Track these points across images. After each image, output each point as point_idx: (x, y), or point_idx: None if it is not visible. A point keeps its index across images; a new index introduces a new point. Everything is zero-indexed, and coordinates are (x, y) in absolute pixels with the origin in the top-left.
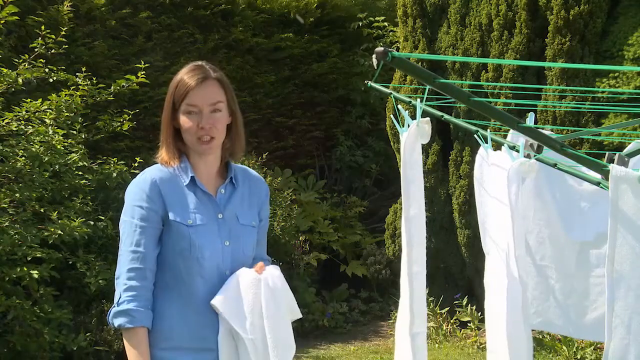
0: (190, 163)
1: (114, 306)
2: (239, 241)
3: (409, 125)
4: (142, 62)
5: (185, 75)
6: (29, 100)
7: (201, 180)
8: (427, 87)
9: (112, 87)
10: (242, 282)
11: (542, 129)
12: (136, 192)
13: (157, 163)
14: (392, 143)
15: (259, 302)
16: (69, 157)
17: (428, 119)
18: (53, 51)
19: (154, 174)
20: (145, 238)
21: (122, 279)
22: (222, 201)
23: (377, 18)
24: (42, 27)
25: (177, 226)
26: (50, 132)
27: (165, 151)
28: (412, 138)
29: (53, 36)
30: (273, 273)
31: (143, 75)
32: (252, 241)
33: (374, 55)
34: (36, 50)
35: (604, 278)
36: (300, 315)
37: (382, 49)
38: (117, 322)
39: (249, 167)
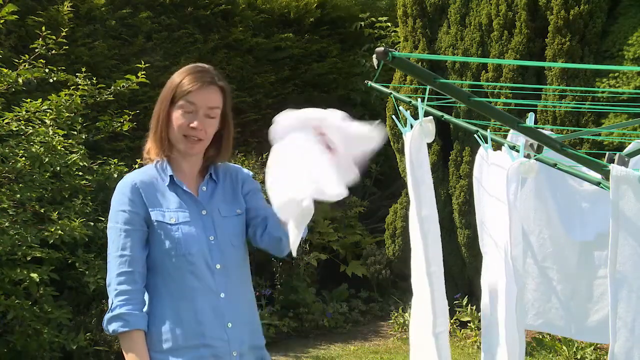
0: (170, 163)
1: (108, 312)
2: (225, 234)
3: (411, 126)
4: (143, 63)
5: (190, 75)
6: (29, 100)
7: (182, 179)
8: (427, 87)
9: (113, 87)
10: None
11: (542, 129)
12: (119, 197)
13: (144, 164)
14: (392, 143)
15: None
16: (69, 157)
17: (431, 117)
18: (53, 51)
19: (134, 177)
20: (131, 241)
21: (112, 285)
22: (205, 198)
23: (379, 18)
24: (43, 28)
25: (161, 226)
26: (51, 133)
27: (156, 144)
28: (417, 138)
29: (53, 36)
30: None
31: (143, 76)
32: (238, 230)
33: (374, 55)
34: (36, 50)
35: (606, 279)
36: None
37: (382, 49)
38: (112, 327)
39: (249, 167)
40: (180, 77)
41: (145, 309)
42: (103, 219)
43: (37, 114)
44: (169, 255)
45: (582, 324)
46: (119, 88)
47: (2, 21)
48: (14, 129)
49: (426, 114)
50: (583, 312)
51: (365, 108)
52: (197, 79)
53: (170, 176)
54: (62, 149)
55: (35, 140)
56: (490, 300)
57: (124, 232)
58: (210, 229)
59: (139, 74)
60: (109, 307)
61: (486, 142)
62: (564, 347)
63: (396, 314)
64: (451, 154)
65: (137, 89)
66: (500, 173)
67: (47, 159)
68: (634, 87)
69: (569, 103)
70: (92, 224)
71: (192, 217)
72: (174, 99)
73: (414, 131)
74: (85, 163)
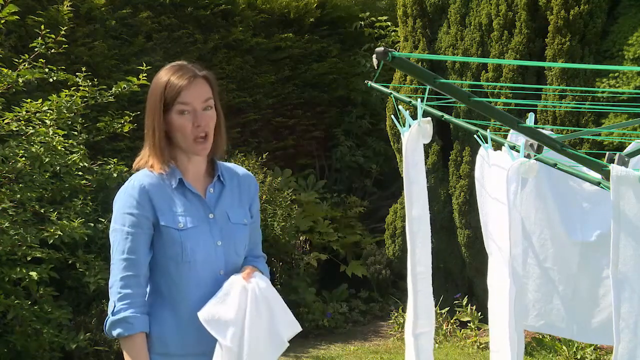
0: (177, 166)
1: (109, 316)
2: (230, 240)
3: (410, 125)
4: (144, 65)
5: (172, 75)
6: (29, 100)
7: (189, 181)
8: (427, 87)
9: (114, 89)
10: (229, 290)
11: (542, 129)
12: (125, 199)
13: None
14: (392, 143)
15: (242, 312)
16: (69, 157)
17: (429, 118)
18: (53, 51)
19: (142, 179)
20: (137, 245)
21: (115, 288)
22: (212, 201)
23: (379, 18)
24: (42, 27)
25: (167, 231)
26: (51, 133)
27: (158, 158)
28: (414, 138)
29: (53, 36)
30: (260, 285)
31: (144, 78)
32: (244, 239)
33: (374, 55)
34: (36, 50)
35: (608, 280)
36: (297, 330)
37: (382, 49)
38: (116, 331)
39: (249, 167)
40: (163, 82)
41: (147, 311)
42: (103, 219)
43: (37, 114)
44: (173, 259)
45: (584, 325)
46: (119, 90)
47: (2, 21)
48: (14, 129)
49: (426, 114)
50: (585, 313)
51: (366, 108)
52: (181, 78)
53: (180, 179)
54: (62, 149)
55: (36, 141)
56: (496, 301)
57: (130, 235)
58: (217, 235)
59: (141, 76)
60: (111, 310)
61: (486, 142)
62: (564, 347)
63: (396, 314)
64: (451, 154)
65: (138, 90)
66: (501, 174)
67: (47, 159)
68: (634, 87)
69: (569, 103)
70: (92, 224)
71: (200, 221)
72: (166, 105)
73: (411, 131)
74: (85, 163)
